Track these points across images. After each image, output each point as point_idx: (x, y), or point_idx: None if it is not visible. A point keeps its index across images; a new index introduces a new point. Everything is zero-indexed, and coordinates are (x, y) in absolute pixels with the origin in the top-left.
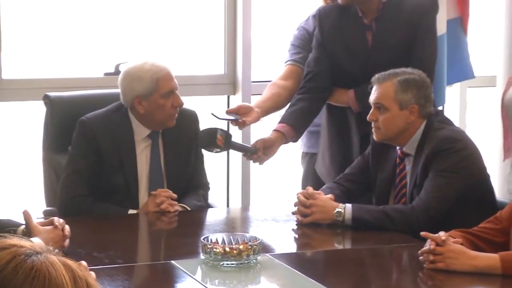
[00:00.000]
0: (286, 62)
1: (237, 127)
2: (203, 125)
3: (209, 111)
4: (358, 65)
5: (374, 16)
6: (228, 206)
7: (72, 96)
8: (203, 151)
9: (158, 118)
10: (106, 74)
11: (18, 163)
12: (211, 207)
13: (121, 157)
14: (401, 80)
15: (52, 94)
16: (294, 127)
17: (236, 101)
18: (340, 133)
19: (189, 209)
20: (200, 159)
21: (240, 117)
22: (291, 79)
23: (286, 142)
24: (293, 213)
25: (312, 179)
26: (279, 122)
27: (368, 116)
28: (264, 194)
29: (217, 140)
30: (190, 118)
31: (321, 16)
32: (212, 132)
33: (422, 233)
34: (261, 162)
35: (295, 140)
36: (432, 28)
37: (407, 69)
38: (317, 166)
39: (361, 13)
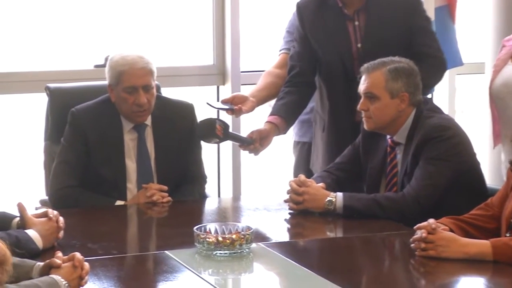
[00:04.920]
0: (280, 50)
1: (232, 116)
2: (198, 116)
3: (198, 102)
4: (341, 55)
5: (357, 8)
6: (219, 196)
7: (71, 88)
8: (201, 142)
9: (124, 111)
10: (96, 66)
11: (14, 154)
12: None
13: (109, 149)
14: (391, 68)
15: (52, 85)
16: (285, 119)
17: (226, 91)
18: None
19: None
20: (197, 150)
21: (234, 106)
22: (286, 67)
23: (278, 134)
24: (285, 201)
25: (303, 167)
26: (271, 114)
27: (358, 106)
28: (255, 184)
29: (216, 130)
30: (186, 110)
31: (300, 9)
32: (211, 122)
33: (415, 227)
34: (256, 153)
35: (285, 132)
36: (426, 21)
37: (394, 58)
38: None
39: (341, 3)
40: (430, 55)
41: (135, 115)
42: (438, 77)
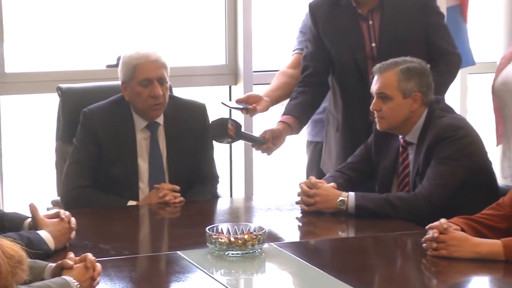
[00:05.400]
0: (294, 50)
1: (247, 115)
2: (210, 116)
3: (210, 102)
4: (354, 55)
5: (371, 7)
6: (231, 196)
7: (83, 88)
8: (213, 142)
9: (139, 106)
10: (108, 66)
11: (25, 155)
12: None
13: (121, 149)
14: (403, 68)
15: (64, 85)
16: (299, 119)
17: (238, 91)
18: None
19: None
20: (209, 150)
21: (248, 105)
22: (299, 67)
23: (291, 134)
24: (297, 203)
25: (316, 167)
26: (284, 114)
27: (371, 106)
28: (267, 184)
29: (229, 130)
30: (198, 110)
31: (313, 9)
32: (223, 122)
33: (427, 227)
34: (269, 153)
35: (298, 132)
36: (439, 16)
37: (406, 58)
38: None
39: (354, 3)
40: (447, 51)
41: (151, 108)
42: (456, 74)
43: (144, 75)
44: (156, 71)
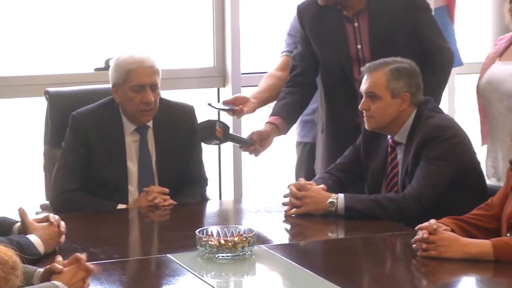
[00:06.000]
0: (282, 53)
1: (234, 117)
2: (199, 118)
3: (199, 104)
4: (339, 57)
5: (357, 10)
6: (220, 198)
7: (71, 92)
8: (202, 144)
9: (129, 110)
10: (96, 69)
11: (14, 159)
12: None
13: (110, 152)
14: (393, 68)
15: (51, 89)
16: (286, 119)
17: (226, 93)
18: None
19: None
20: (198, 152)
21: (235, 107)
22: (288, 70)
23: (279, 135)
24: (284, 204)
25: (305, 167)
26: (271, 115)
27: (360, 106)
28: (257, 185)
29: (217, 132)
30: (186, 112)
31: (300, 11)
32: (211, 124)
33: (416, 228)
34: (256, 154)
35: (286, 133)
36: (428, 12)
37: (397, 58)
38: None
39: (340, 6)
40: (439, 46)
41: (142, 114)
42: (450, 71)
43: (137, 81)
44: (150, 78)
